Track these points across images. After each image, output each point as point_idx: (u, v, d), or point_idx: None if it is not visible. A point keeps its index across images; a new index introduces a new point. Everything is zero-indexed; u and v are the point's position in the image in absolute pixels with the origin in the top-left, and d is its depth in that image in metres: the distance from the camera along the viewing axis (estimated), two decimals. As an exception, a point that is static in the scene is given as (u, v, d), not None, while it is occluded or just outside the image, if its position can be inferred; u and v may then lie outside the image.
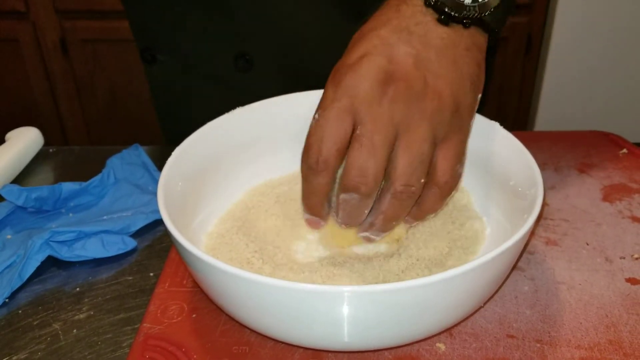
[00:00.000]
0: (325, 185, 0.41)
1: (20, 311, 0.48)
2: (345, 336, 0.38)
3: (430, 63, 0.40)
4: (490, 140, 0.50)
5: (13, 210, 0.57)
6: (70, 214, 0.58)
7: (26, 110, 1.70)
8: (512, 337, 0.43)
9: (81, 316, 0.48)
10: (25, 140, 0.67)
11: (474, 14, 0.42)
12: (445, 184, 0.41)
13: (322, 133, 0.39)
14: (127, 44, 1.54)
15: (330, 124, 0.39)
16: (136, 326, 0.46)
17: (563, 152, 0.63)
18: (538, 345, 0.42)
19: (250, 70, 0.69)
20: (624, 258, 0.50)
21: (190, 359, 0.42)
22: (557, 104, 1.56)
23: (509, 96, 1.60)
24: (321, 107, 0.40)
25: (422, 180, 0.40)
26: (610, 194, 0.57)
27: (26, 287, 0.51)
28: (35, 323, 0.47)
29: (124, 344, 0.45)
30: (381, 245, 0.47)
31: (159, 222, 0.56)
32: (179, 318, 0.45)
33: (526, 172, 0.45)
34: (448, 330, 0.43)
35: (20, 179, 0.66)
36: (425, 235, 0.47)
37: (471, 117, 0.43)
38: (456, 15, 0.41)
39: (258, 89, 0.55)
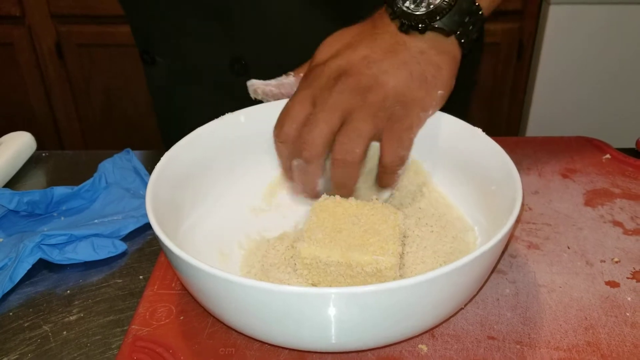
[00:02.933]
0: (286, 153, 0.50)
1: (11, 313, 0.49)
2: (330, 337, 0.39)
3: (381, 63, 0.48)
4: (473, 147, 0.51)
5: (5, 214, 0.58)
6: (62, 218, 0.59)
7: (22, 114, 1.71)
8: (492, 338, 0.44)
9: (71, 318, 0.49)
10: (18, 145, 0.68)
11: (425, 22, 0.49)
12: (389, 164, 0.49)
13: (286, 113, 0.49)
14: (123, 48, 1.55)
15: (293, 107, 0.49)
16: (125, 328, 0.47)
17: (547, 158, 0.64)
18: (518, 346, 0.43)
19: (245, 75, 0.70)
20: (604, 261, 0.51)
21: (178, 360, 0.43)
22: (548, 109, 1.57)
23: (501, 102, 1.62)
24: (295, 91, 0.50)
25: (357, 151, 0.47)
26: (592, 199, 0.58)
27: (17, 290, 0.51)
28: (25, 325, 0.48)
29: (113, 346, 0.46)
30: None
31: (149, 225, 0.57)
32: (167, 320, 0.46)
33: (506, 177, 0.46)
34: (430, 332, 0.44)
35: (12, 183, 0.66)
36: (422, 251, 0.48)
37: (421, 109, 0.49)
38: (410, 24, 0.49)
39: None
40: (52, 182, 0.66)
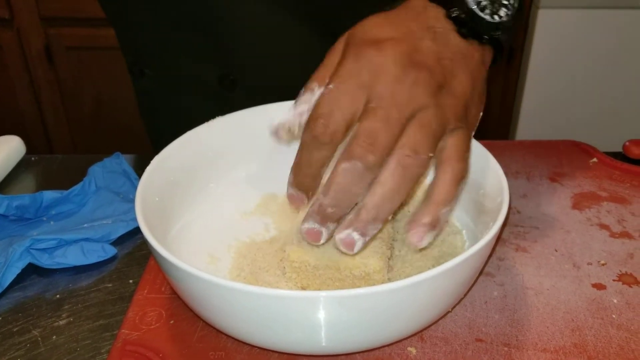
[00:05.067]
0: (325, 158, 0.40)
1: (0, 318, 0.49)
2: (319, 340, 0.39)
3: (451, 64, 0.42)
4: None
5: (-6, 218, 0.58)
6: (51, 222, 0.59)
7: (10, 118, 1.70)
8: (480, 341, 0.44)
9: (61, 323, 0.48)
10: (7, 149, 0.68)
11: (491, 33, 0.44)
12: (458, 165, 0.40)
13: (334, 105, 0.38)
14: (113, 51, 1.53)
15: (345, 97, 0.38)
16: (115, 332, 0.47)
17: (535, 161, 0.64)
18: (506, 348, 0.44)
19: (234, 90, 0.71)
20: (591, 264, 0.51)
21: (167, 364, 0.43)
22: (538, 113, 1.58)
23: (491, 106, 1.63)
24: (337, 76, 0.39)
25: (430, 155, 0.38)
26: (579, 202, 0.58)
27: (7, 294, 0.51)
28: (15, 330, 0.48)
29: (103, 350, 0.46)
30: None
31: (139, 230, 0.57)
32: (157, 324, 0.46)
33: (494, 181, 0.46)
34: (419, 335, 0.45)
35: (1, 187, 0.66)
36: (410, 255, 0.48)
37: (473, 126, 0.45)
38: (475, 31, 0.43)
39: (244, 106, 0.56)
40: (42, 186, 0.66)
